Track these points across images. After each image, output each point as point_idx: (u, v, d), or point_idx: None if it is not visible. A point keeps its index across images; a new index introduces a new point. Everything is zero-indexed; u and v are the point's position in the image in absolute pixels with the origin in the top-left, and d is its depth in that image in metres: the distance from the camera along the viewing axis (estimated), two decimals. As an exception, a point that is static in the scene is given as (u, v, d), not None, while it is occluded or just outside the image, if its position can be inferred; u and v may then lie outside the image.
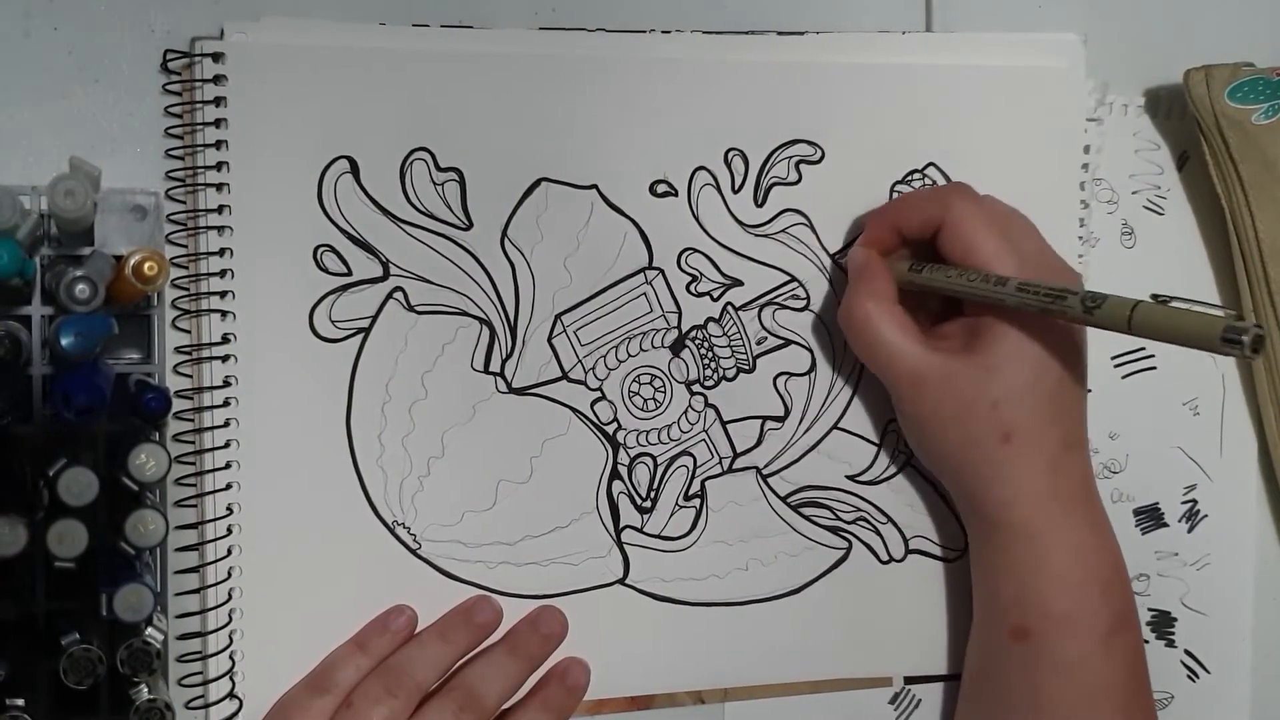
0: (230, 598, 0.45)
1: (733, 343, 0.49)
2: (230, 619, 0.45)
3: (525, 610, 0.47)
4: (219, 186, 0.45)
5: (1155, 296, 0.38)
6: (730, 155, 0.49)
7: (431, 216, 0.47)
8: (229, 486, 0.45)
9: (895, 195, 0.50)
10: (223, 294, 0.45)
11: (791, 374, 0.50)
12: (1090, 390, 0.52)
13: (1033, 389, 0.43)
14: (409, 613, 0.46)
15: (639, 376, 0.49)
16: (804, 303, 0.50)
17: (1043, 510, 0.44)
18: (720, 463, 0.49)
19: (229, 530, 0.45)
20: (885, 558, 0.51)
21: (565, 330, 0.48)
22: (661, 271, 0.49)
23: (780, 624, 0.50)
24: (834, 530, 0.50)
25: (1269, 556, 0.55)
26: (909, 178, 0.51)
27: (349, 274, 0.46)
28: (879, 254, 0.47)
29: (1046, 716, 0.44)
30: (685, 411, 0.49)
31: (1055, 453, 0.44)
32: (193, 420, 0.45)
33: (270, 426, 0.45)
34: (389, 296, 0.46)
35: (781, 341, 0.50)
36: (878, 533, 0.51)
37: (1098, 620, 0.44)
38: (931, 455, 0.47)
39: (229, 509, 0.45)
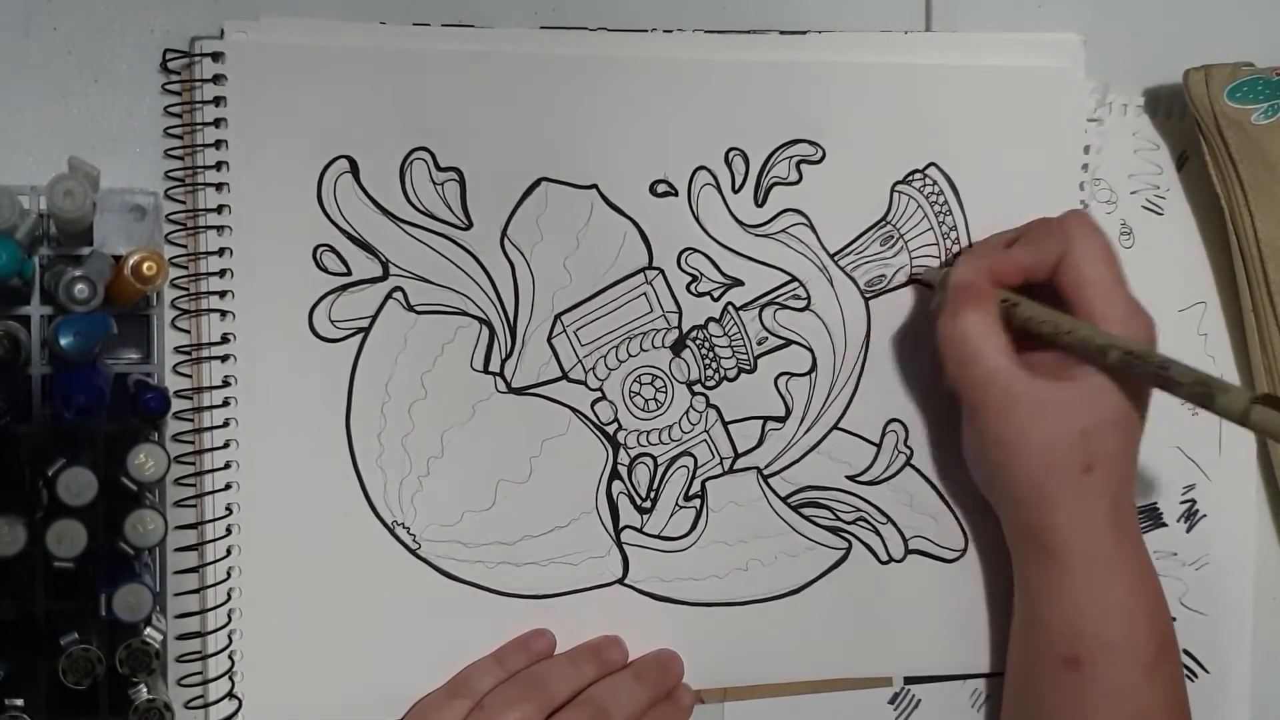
0: (229, 598, 0.45)
1: (733, 343, 0.49)
2: (229, 619, 0.45)
3: (525, 610, 0.47)
4: (218, 186, 0.45)
5: (1266, 397, 0.39)
6: (731, 155, 0.49)
7: (431, 216, 0.47)
8: (228, 486, 0.45)
9: (895, 194, 0.50)
10: (222, 294, 0.45)
11: (792, 374, 0.50)
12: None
13: (1118, 423, 0.44)
14: (549, 637, 0.47)
15: (639, 376, 0.49)
16: (805, 303, 0.50)
17: (1103, 540, 0.45)
18: (721, 463, 0.49)
19: (228, 530, 0.45)
20: (885, 558, 0.51)
21: (565, 330, 0.48)
22: (662, 271, 0.49)
23: (780, 624, 0.50)
24: (834, 530, 0.50)
25: (1268, 556, 0.55)
26: (909, 177, 0.51)
27: (348, 274, 0.46)
28: (988, 277, 0.46)
29: None
30: (686, 412, 0.49)
31: (1122, 486, 0.45)
32: (192, 420, 0.44)
33: (270, 426, 0.45)
34: (388, 296, 0.46)
35: (782, 341, 0.50)
36: (877, 533, 0.51)
37: (1145, 649, 0.45)
38: (1000, 477, 0.47)
39: (228, 509, 0.45)
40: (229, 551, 0.45)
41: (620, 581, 0.48)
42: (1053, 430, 0.44)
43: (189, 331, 0.45)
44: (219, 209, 0.45)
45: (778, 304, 0.50)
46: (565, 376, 0.48)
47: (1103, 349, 0.43)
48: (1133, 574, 0.45)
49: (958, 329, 0.45)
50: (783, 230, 0.50)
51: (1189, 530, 0.55)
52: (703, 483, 0.49)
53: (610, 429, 0.48)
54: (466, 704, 0.45)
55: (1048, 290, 0.46)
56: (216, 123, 0.45)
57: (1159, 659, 0.45)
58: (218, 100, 0.45)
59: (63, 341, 0.37)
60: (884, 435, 0.51)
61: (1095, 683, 0.44)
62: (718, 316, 0.49)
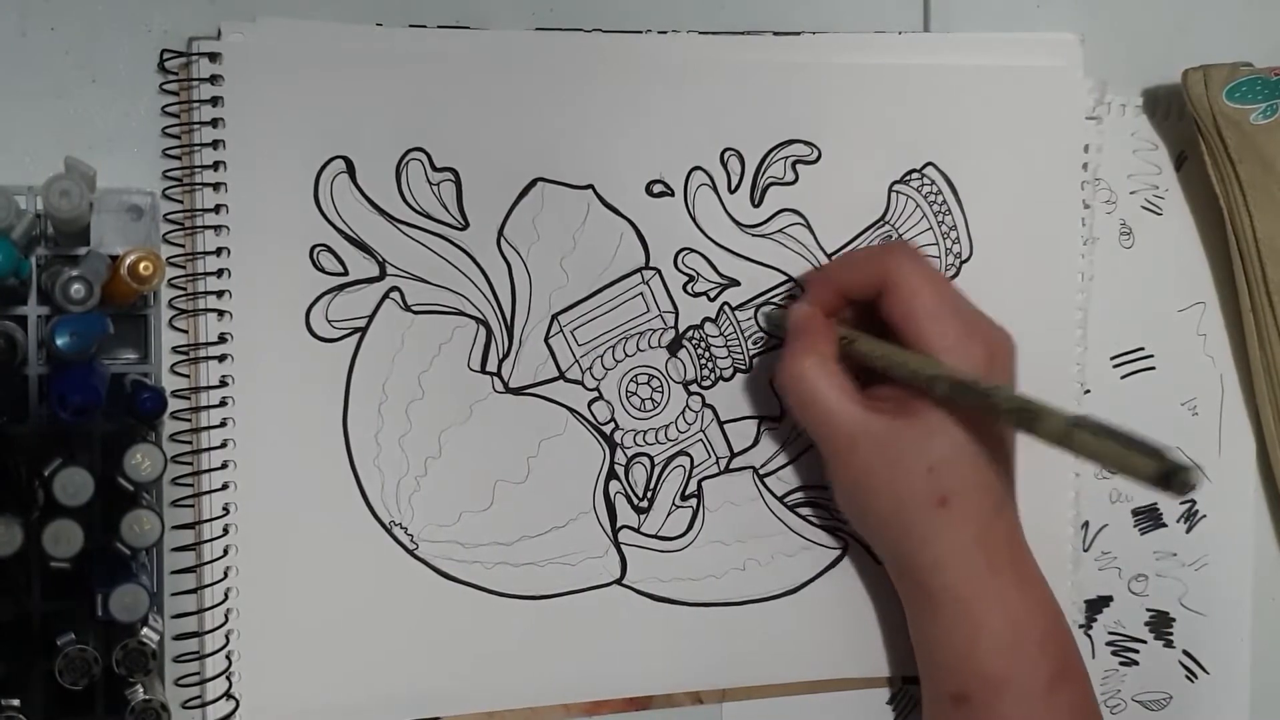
0: (226, 598, 0.45)
1: (730, 343, 0.49)
2: (226, 619, 0.45)
3: (522, 611, 0.47)
4: (215, 186, 0.45)
5: (1086, 418, 0.39)
6: (727, 155, 0.49)
7: (427, 216, 0.47)
8: (225, 486, 0.45)
9: (893, 194, 0.50)
10: (219, 294, 0.45)
11: (788, 374, 0.50)
12: (1089, 391, 0.53)
13: (967, 453, 0.43)
14: None
15: (636, 376, 0.49)
16: (801, 303, 0.50)
17: (975, 574, 0.44)
18: (717, 462, 0.49)
19: (225, 530, 0.45)
20: (883, 558, 0.51)
21: (562, 330, 0.48)
22: (658, 271, 0.49)
23: (777, 624, 0.49)
24: (830, 530, 0.50)
25: (1267, 557, 0.55)
26: (907, 178, 0.51)
27: (345, 274, 0.46)
28: (822, 314, 0.47)
29: None
30: (682, 411, 0.49)
31: (987, 517, 0.44)
32: (189, 420, 0.44)
33: (267, 426, 0.45)
34: (385, 296, 0.46)
35: (779, 341, 0.50)
36: (875, 533, 0.50)
37: (1035, 678, 0.44)
38: (864, 519, 0.47)
39: (225, 509, 0.45)
40: (226, 551, 0.45)
41: (618, 582, 0.48)
42: (899, 469, 0.43)
43: (186, 331, 0.45)
44: (216, 209, 0.45)
45: (774, 304, 0.50)
46: (562, 376, 0.48)
47: (931, 380, 0.42)
48: (1015, 605, 0.44)
49: (794, 372, 0.45)
50: (780, 230, 0.50)
51: (1189, 531, 0.55)
52: (699, 482, 0.49)
53: (607, 429, 0.48)
54: None
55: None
56: (214, 123, 0.45)
57: (1052, 687, 0.44)
58: (215, 100, 0.45)
59: (59, 341, 0.37)
60: (881, 435, 0.50)
61: (985, 717, 0.44)
62: (714, 316, 0.49)
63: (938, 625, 0.45)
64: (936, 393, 0.42)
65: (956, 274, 0.51)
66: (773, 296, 0.50)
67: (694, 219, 0.49)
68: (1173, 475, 0.36)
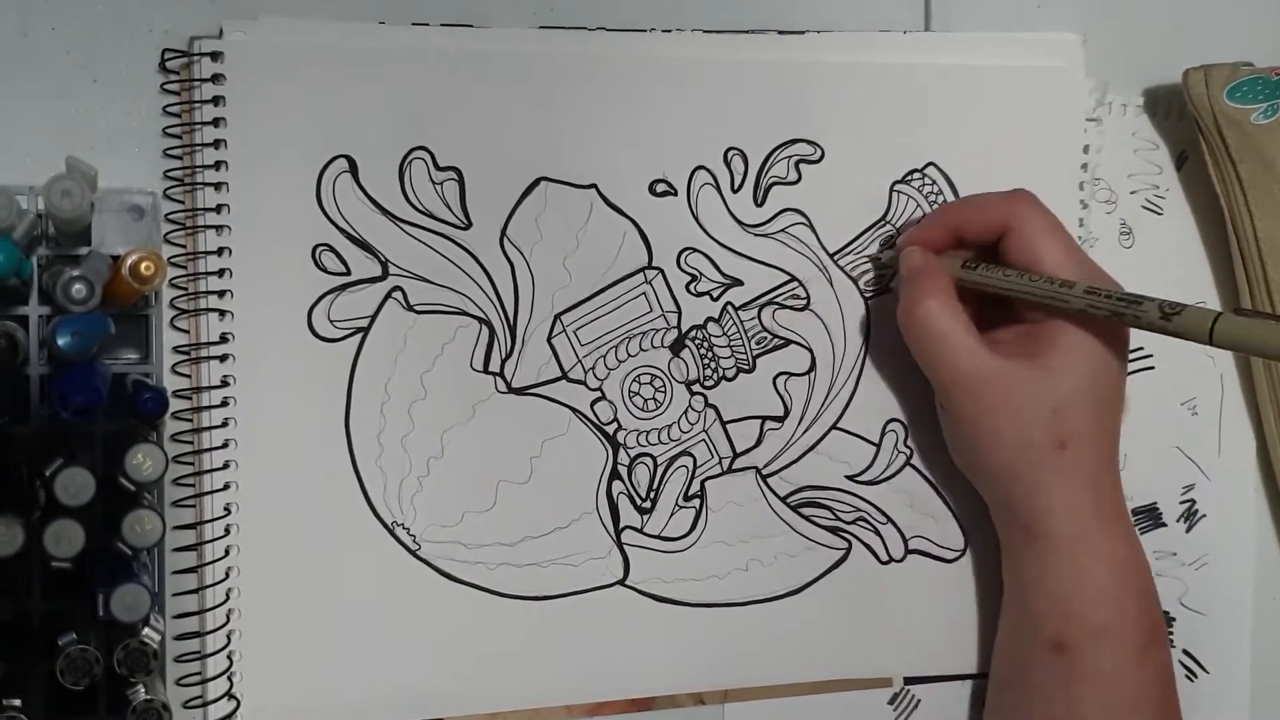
0: (228, 598, 0.45)
1: (732, 342, 0.49)
2: (228, 619, 0.45)
3: (525, 612, 0.47)
4: (217, 186, 0.45)
5: (1237, 309, 0.39)
6: (730, 154, 0.49)
7: (430, 216, 0.47)
8: (227, 486, 0.45)
9: (894, 194, 0.50)
10: (221, 293, 0.45)
11: (791, 374, 0.50)
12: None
13: (1090, 396, 0.44)
14: None
15: (639, 376, 0.49)
16: (804, 302, 0.50)
17: (1085, 521, 0.44)
18: (720, 463, 0.49)
19: (227, 530, 0.45)
20: (885, 558, 0.51)
21: (565, 330, 0.48)
22: (661, 271, 0.49)
23: (780, 625, 0.49)
24: (834, 530, 0.50)
25: (1267, 556, 0.55)
26: (908, 177, 0.51)
27: (348, 273, 0.46)
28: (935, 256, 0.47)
29: None
30: (685, 411, 0.49)
31: (1102, 464, 0.44)
32: (191, 420, 0.44)
33: (269, 426, 0.45)
34: (388, 296, 0.46)
35: (781, 341, 0.50)
36: (877, 533, 0.50)
37: (1134, 633, 0.44)
38: (978, 460, 0.47)
39: (227, 509, 0.45)
40: (227, 551, 0.45)
41: (621, 582, 0.48)
42: (1023, 409, 0.44)
43: (187, 331, 0.45)
44: (218, 209, 0.45)
45: (777, 304, 0.50)
46: (565, 376, 0.48)
47: (1068, 282, 0.43)
48: (1120, 556, 0.45)
49: (919, 314, 0.45)
50: (782, 230, 0.50)
51: (1188, 530, 0.55)
52: (702, 483, 0.49)
53: (610, 429, 0.48)
54: None
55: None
56: (215, 122, 0.44)
57: (1149, 644, 0.44)
58: (216, 100, 0.44)
59: (61, 341, 0.37)
60: (883, 435, 0.50)
61: (1082, 668, 0.44)
62: (717, 316, 0.49)
63: (1043, 570, 0.45)
64: (1072, 303, 0.42)
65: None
66: (776, 296, 0.50)
67: (697, 218, 0.49)
68: None
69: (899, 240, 0.49)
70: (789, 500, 0.50)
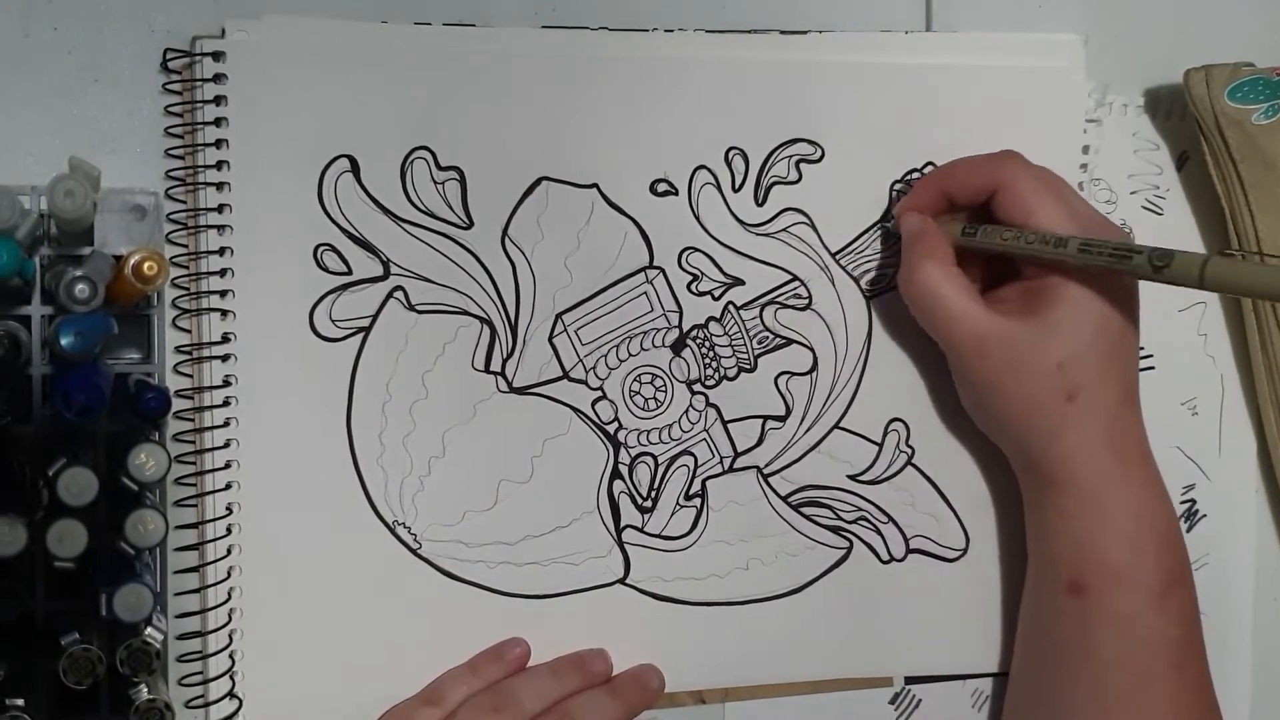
0: (230, 597, 0.45)
1: (734, 342, 0.49)
2: (230, 619, 0.45)
3: (526, 611, 0.47)
4: (219, 186, 0.45)
5: (1223, 252, 0.39)
6: (731, 154, 0.49)
7: (432, 215, 0.47)
8: (229, 486, 0.45)
9: (894, 193, 0.50)
10: (223, 293, 0.45)
11: (793, 373, 0.50)
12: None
13: (1094, 348, 0.44)
14: (523, 645, 0.47)
15: (640, 376, 0.49)
16: (805, 302, 0.50)
17: (1102, 467, 0.45)
18: (721, 462, 0.49)
19: (229, 530, 0.45)
20: (886, 557, 0.51)
21: (566, 329, 0.48)
22: (662, 270, 0.49)
23: (781, 624, 0.49)
24: (835, 530, 0.50)
25: (1268, 556, 0.55)
26: (909, 177, 0.51)
27: (349, 273, 0.46)
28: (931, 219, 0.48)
29: (1101, 670, 0.44)
30: (686, 411, 0.49)
31: (1115, 410, 0.45)
32: (193, 420, 0.44)
33: (270, 426, 0.45)
34: (389, 296, 0.46)
35: (783, 341, 0.50)
36: (879, 532, 0.51)
37: (1153, 576, 0.44)
38: (991, 417, 0.47)
39: (229, 509, 0.45)
40: (229, 551, 0.45)
41: (622, 581, 0.48)
42: (1027, 365, 0.44)
43: (190, 331, 0.45)
44: (220, 208, 0.45)
45: (778, 303, 0.50)
46: (566, 376, 0.48)
47: (1061, 243, 0.43)
48: (1139, 500, 0.45)
49: (918, 278, 0.46)
50: (783, 229, 0.50)
51: (1189, 530, 0.55)
52: (703, 482, 0.49)
53: (611, 428, 0.48)
54: (439, 713, 0.45)
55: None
56: (217, 122, 0.45)
57: (1169, 587, 0.44)
58: (218, 100, 0.44)
59: (63, 341, 0.37)
60: (885, 434, 0.51)
61: (1101, 610, 0.44)
62: (718, 316, 0.49)
63: (1062, 514, 0.45)
64: (1069, 256, 0.43)
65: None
66: (777, 296, 0.50)
67: (698, 218, 0.49)
68: None
69: (895, 208, 0.49)
70: (790, 499, 0.50)
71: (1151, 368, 0.54)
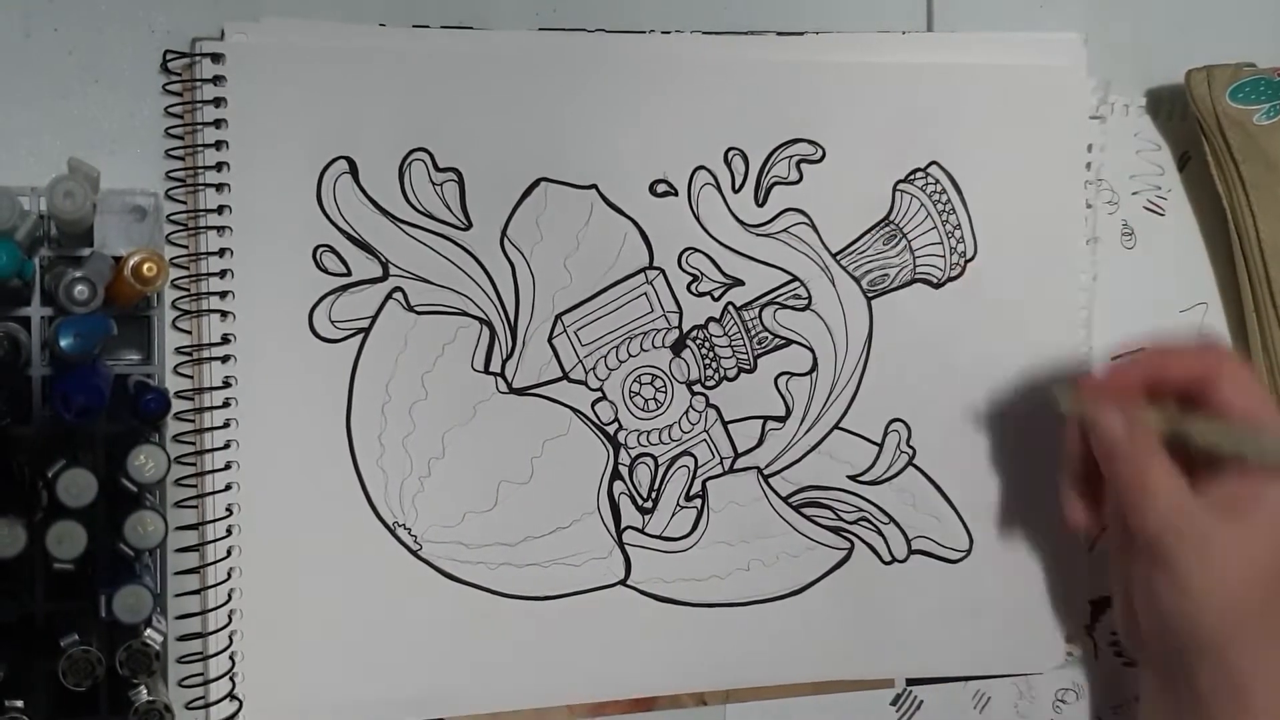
0: (230, 598, 0.45)
1: (734, 342, 0.49)
2: (230, 620, 0.45)
3: (527, 612, 0.47)
4: (219, 187, 0.45)
5: None
6: (730, 155, 0.49)
7: (431, 217, 0.47)
8: (229, 487, 0.45)
9: (897, 193, 0.50)
10: (222, 294, 0.45)
11: (793, 374, 0.50)
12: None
13: None
14: None
15: (640, 376, 0.49)
16: (805, 302, 0.50)
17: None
18: (721, 463, 0.49)
19: (229, 531, 0.45)
20: (888, 558, 0.51)
21: (566, 330, 0.48)
22: (662, 271, 0.49)
23: (782, 625, 0.49)
24: (836, 530, 0.50)
25: (1271, 557, 0.55)
26: (911, 176, 0.51)
27: (348, 274, 0.46)
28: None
29: None
30: (686, 411, 0.49)
31: None
32: (192, 421, 0.44)
33: (270, 427, 0.45)
34: (388, 297, 0.46)
35: (783, 341, 0.50)
36: (880, 533, 0.50)
37: None
38: (1184, 625, 0.43)
39: (229, 510, 0.45)
40: (229, 552, 0.45)
41: (622, 582, 0.48)
42: (1247, 566, 0.42)
43: (189, 332, 0.45)
44: (219, 209, 0.45)
45: (778, 304, 0.50)
46: (566, 377, 0.48)
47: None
48: None
49: (1137, 479, 0.43)
50: (784, 230, 0.50)
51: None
52: (703, 483, 0.49)
53: (611, 429, 0.48)
54: None
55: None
56: (217, 123, 0.45)
57: None
58: (218, 101, 0.45)
59: (63, 343, 0.37)
60: (886, 435, 0.50)
61: None
62: (718, 316, 0.49)
63: None
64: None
65: (961, 273, 0.51)
66: (777, 296, 0.50)
67: (698, 218, 0.49)
68: None
69: (1085, 388, 0.46)
70: (791, 500, 0.50)
71: (1154, 368, 0.54)
